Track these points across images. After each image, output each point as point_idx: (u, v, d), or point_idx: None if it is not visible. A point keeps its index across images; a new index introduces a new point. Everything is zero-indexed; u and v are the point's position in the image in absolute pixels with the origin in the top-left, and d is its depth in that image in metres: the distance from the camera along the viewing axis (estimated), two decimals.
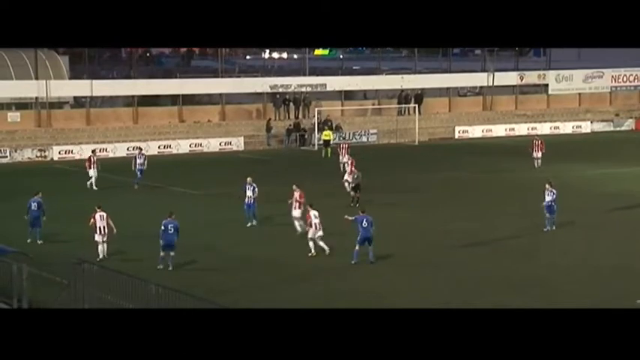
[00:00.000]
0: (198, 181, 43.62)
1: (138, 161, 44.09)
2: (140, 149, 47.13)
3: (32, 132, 57.84)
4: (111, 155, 57.13)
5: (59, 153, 56.56)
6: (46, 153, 56.56)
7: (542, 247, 29.42)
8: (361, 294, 23.77)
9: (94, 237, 27.95)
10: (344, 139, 63.99)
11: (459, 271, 26.39)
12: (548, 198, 31.09)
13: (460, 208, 37.47)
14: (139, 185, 42.67)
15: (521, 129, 69.89)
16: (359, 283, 25.02)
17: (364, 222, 26.54)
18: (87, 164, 42.77)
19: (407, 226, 33.32)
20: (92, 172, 42.53)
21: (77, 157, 56.14)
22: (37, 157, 56.24)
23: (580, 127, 71.85)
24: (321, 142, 57.99)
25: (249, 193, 33.15)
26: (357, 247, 26.49)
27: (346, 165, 44.31)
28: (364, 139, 64.16)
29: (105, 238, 27.85)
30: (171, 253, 26.44)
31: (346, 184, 38.76)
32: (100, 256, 27.41)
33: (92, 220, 28.06)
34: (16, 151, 55.92)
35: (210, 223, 34.12)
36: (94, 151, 45.83)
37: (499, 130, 69.41)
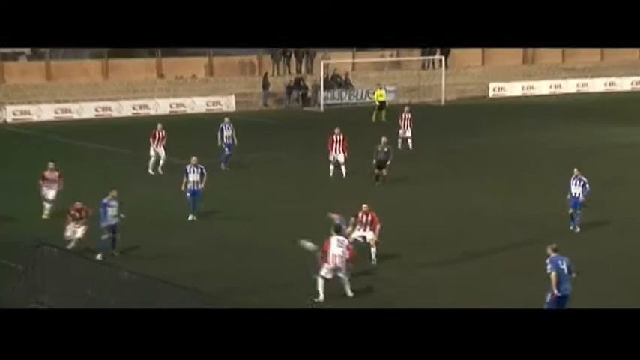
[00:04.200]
0: (182, 147, 43.60)
1: (225, 133, 40.46)
2: (226, 117, 42.21)
3: None
4: (76, 117, 57.30)
5: (14, 114, 56.75)
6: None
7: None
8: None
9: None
10: (356, 97, 64.11)
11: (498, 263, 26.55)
12: (575, 189, 28.99)
13: (494, 182, 37.50)
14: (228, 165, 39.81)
15: (569, 85, 69.79)
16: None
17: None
18: (150, 139, 39.25)
19: (426, 206, 33.41)
20: (156, 152, 39.22)
21: (35, 118, 56.45)
22: None
23: None
24: (376, 103, 56.36)
25: (192, 177, 30.88)
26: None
27: (409, 142, 43.93)
28: None
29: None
30: (117, 236, 26.45)
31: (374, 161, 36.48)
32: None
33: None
34: None
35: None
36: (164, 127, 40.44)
37: (542, 87, 69.31)
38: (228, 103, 61.57)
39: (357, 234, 25.73)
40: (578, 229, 29.19)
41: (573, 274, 20.46)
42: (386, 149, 36.43)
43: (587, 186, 29.02)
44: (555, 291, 20.04)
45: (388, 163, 36.24)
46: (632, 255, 26.79)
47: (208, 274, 24.47)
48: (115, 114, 58.55)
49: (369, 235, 25.79)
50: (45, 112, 57.11)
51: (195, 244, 27.54)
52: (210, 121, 53.20)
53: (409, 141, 44.18)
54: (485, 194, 34.82)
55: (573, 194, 29.12)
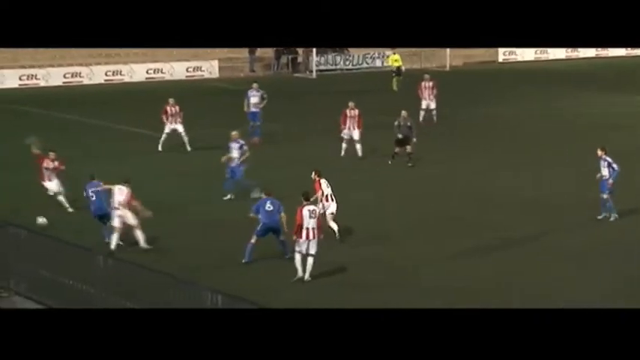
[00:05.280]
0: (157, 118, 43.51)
1: (252, 100, 39.83)
2: (255, 83, 41.44)
3: None
4: (42, 84, 56.88)
5: None
6: None
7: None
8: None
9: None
10: (352, 63, 63.99)
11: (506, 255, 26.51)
12: (604, 171, 27.66)
13: (504, 157, 37.31)
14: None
15: (587, 50, 69.66)
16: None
17: (268, 205, 24.35)
18: (164, 117, 37.89)
19: (427, 186, 32.92)
20: (172, 129, 38.02)
21: None
22: None
23: None
24: (393, 69, 55.81)
25: (234, 153, 30.77)
26: (253, 240, 24.36)
27: (433, 114, 42.92)
28: (377, 62, 63.83)
29: (132, 221, 25.43)
30: (109, 224, 25.69)
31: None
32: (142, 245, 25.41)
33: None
34: None
35: (175, 174, 34.12)
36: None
37: (558, 52, 69.24)
38: (210, 69, 61.17)
39: (329, 210, 25.97)
40: (614, 217, 27.74)
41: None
42: (408, 124, 35.26)
43: (615, 166, 27.41)
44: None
45: (414, 140, 34.98)
46: None
47: (185, 256, 24.55)
48: (85, 81, 58.14)
49: (333, 208, 26.18)
50: (8, 79, 56.71)
51: (177, 228, 27.32)
52: (191, 90, 53.33)
53: (434, 113, 43.26)
54: (508, 173, 34.20)
55: (603, 176, 27.52)
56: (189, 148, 37.63)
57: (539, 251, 25.61)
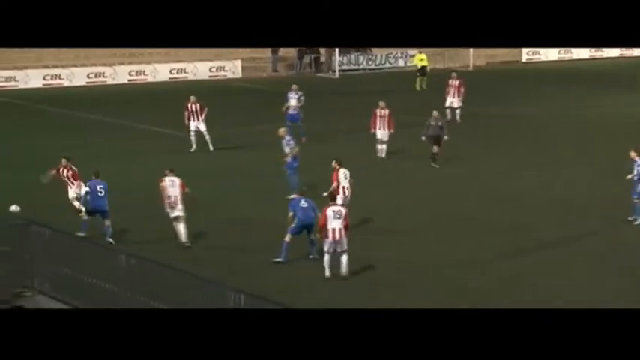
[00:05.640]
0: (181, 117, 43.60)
1: (291, 102, 39.96)
2: (294, 84, 41.50)
3: None
4: (66, 84, 57.12)
5: None
6: None
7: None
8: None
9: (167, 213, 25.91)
10: (375, 63, 63.96)
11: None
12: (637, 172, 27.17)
13: (526, 157, 36.99)
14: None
15: (611, 49, 69.30)
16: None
17: (303, 203, 24.36)
18: (185, 113, 37.79)
19: (448, 186, 32.81)
20: (196, 127, 37.81)
21: (22, 85, 56.12)
22: None
23: None
24: (418, 68, 55.94)
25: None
26: (287, 239, 24.29)
27: (457, 113, 42.83)
28: (400, 62, 63.75)
29: (174, 214, 25.74)
30: (107, 222, 26.09)
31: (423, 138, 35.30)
32: (184, 240, 25.68)
33: (162, 187, 25.96)
34: None
35: (199, 173, 34.22)
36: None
37: (581, 52, 68.96)
38: (233, 69, 61.25)
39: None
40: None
41: None
42: (439, 123, 35.11)
43: None
44: None
45: (446, 138, 34.85)
46: None
47: (209, 255, 24.58)
48: (109, 81, 58.28)
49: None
50: (32, 79, 56.99)
51: (202, 227, 27.30)
52: (214, 90, 53.36)
53: (457, 112, 43.18)
54: (530, 173, 34.05)
55: (635, 178, 27.08)
56: (211, 148, 37.63)
57: (559, 252, 25.56)
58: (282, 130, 31.60)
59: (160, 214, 26.78)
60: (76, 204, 28.33)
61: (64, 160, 28.68)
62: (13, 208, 25.87)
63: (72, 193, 28.59)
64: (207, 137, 37.68)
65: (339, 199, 26.13)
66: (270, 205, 28.13)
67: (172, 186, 25.77)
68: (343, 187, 26.82)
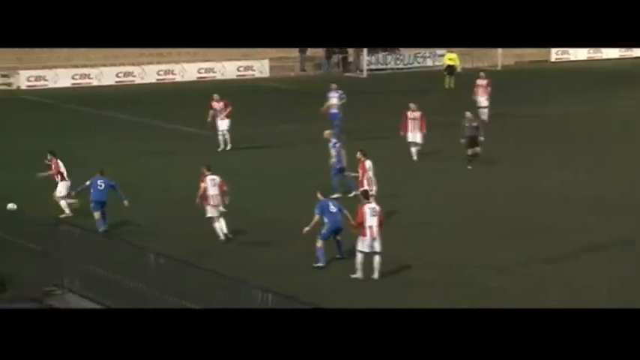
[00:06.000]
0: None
1: (331, 100, 40.08)
2: (333, 84, 41.68)
3: None
4: (95, 83, 57.34)
5: (28, 80, 56.80)
6: (11, 80, 56.76)
7: None
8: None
9: (205, 211, 26.08)
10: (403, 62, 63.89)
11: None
12: None
13: (555, 157, 36.95)
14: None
15: None
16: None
17: (332, 207, 24.14)
18: (210, 112, 37.88)
19: (477, 186, 32.68)
20: (224, 125, 37.86)
21: (51, 85, 56.39)
22: None
23: None
24: (445, 67, 56.26)
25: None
26: (320, 244, 24.07)
27: (485, 112, 42.35)
28: (428, 62, 63.54)
29: (216, 212, 26.03)
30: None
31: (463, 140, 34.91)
32: (222, 237, 26.01)
33: (202, 186, 26.07)
34: None
35: (226, 173, 34.27)
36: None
37: (611, 52, 68.56)
38: (261, 69, 61.26)
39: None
40: None
41: None
42: (474, 124, 35.00)
43: None
44: None
45: (481, 138, 34.66)
46: None
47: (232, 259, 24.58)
48: (137, 80, 58.47)
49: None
50: (62, 78, 57.29)
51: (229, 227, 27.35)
52: (242, 89, 53.43)
53: (485, 111, 42.86)
54: (559, 172, 33.89)
55: None
56: (229, 147, 37.57)
57: (587, 253, 25.39)
58: (327, 133, 31.67)
59: (188, 213, 26.93)
60: (62, 202, 28.64)
61: (49, 155, 29.03)
62: (10, 205, 26.37)
63: (60, 188, 28.83)
64: (227, 136, 37.66)
65: (367, 189, 26.35)
66: (296, 205, 28.12)
67: (213, 184, 25.99)
68: (369, 179, 27.25)
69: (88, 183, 27.13)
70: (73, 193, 28.16)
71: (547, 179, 33.18)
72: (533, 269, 24.18)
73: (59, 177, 28.73)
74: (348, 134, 36.83)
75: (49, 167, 28.88)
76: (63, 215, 27.70)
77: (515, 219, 28.39)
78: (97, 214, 26.65)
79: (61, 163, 28.88)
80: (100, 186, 26.90)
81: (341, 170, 30.30)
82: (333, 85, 40.90)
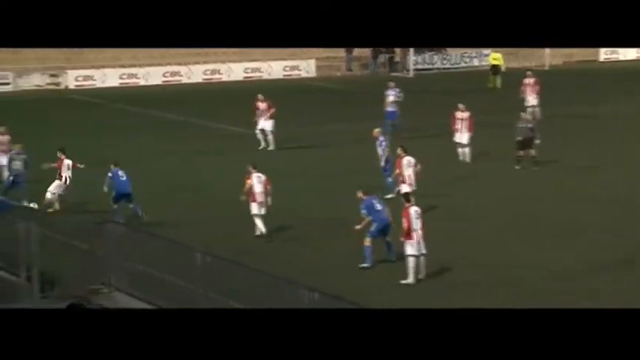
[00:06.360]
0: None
1: (389, 98, 40.06)
2: (391, 82, 42.03)
3: (41, 52, 58.33)
4: (142, 83, 57.65)
5: (76, 79, 57.19)
6: (59, 79, 57.23)
7: None
8: None
9: (250, 209, 26.11)
10: (449, 62, 63.65)
11: None
12: None
13: (605, 157, 36.61)
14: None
15: None
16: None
17: (377, 205, 24.05)
18: (256, 112, 37.95)
19: (525, 186, 32.40)
20: (262, 124, 37.89)
21: (99, 84, 56.81)
22: (47, 84, 56.89)
23: None
24: (489, 67, 56.31)
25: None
26: (368, 243, 23.82)
27: (536, 112, 41.68)
28: (475, 62, 63.26)
29: (263, 210, 26.07)
30: (131, 205, 27.41)
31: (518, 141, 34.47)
32: (258, 233, 26.11)
33: (248, 183, 26.11)
34: (20, 77, 56.66)
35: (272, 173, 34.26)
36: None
37: None
38: (308, 68, 61.28)
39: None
40: None
41: None
42: (529, 125, 34.68)
43: None
44: None
45: (537, 141, 34.18)
46: None
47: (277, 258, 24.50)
48: (184, 80, 58.75)
49: (404, 189, 26.38)
50: (109, 78, 57.68)
51: (271, 228, 27.26)
52: (288, 89, 53.43)
53: (537, 110, 42.26)
54: (613, 173, 33.62)
55: None
56: (272, 147, 37.53)
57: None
58: (376, 131, 31.48)
59: (232, 212, 26.90)
60: (48, 196, 28.89)
61: (58, 153, 29.41)
62: (31, 205, 27.38)
63: (56, 185, 29.06)
64: (270, 137, 37.62)
65: (405, 187, 26.11)
66: (343, 205, 27.99)
67: (259, 182, 25.99)
68: (405, 176, 27.15)
69: (110, 175, 27.57)
70: (57, 195, 28.70)
71: (597, 180, 32.83)
72: (582, 270, 23.90)
73: (58, 175, 29.10)
74: (397, 134, 36.67)
75: (60, 163, 29.25)
76: (50, 210, 28.35)
77: (564, 219, 28.12)
78: (115, 206, 27.16)
79: (67, 163, 29.18)
80: (122, 177, 27.42)
81: (384, 170, 30.21)
82: (391, 84, 40.81)
